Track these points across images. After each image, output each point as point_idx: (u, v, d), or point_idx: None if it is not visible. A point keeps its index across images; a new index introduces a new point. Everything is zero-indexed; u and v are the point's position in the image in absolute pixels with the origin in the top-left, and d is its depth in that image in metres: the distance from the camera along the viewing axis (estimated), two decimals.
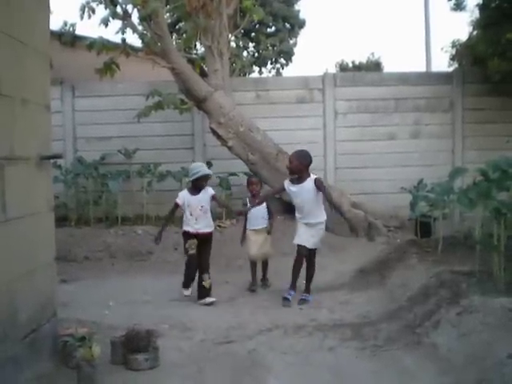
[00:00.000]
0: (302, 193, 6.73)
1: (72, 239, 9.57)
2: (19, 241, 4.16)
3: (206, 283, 6.87)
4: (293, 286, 6.92)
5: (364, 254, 8.64)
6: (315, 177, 6.77)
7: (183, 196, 7.03)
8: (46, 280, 4.77)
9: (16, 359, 4.01)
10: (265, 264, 7.77)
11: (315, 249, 6.99)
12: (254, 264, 7.66)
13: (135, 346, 4.72)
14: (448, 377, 4.44)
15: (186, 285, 7.15)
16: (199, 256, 6.95)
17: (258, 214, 7.45)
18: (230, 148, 9.97)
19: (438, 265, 6.90)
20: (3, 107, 3.95)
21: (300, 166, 6.76)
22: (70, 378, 4.33)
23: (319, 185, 6.70)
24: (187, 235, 6.99)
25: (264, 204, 7.43)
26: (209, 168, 10.69)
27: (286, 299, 6.82)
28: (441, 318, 5.32)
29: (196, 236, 6.94)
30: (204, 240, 7.01)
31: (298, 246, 6.85)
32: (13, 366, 3.96)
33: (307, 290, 7.03)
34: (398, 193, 9.87)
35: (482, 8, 10.93)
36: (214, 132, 10.00)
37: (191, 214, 6.94)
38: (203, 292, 6.88)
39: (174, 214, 7.22)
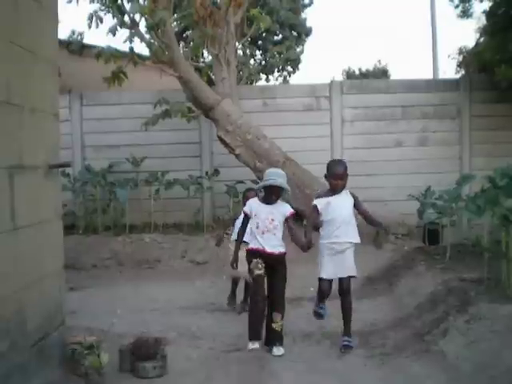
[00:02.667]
0: (341, 206, 5.55)
1: (80, 247, 9.59)
2: (28, 249, 4.18)
3: (276, 325, 5.45)
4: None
5: (372, 261, 8.61)
6: (348, 190, 5.67)
7: (251, 205, 5.66)
8: (55, 288, 4.78)
9: (25, 367, 4.02)
10: (247, 285, 6.64)
11: (349, 279, 5.68)
12: (236, 280, 6.94)
13: (143, 354, 4.72)
14: None
15: (254, 335, 5.47)
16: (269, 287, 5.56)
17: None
18: (237, 156, 9.98)
19: (446, 272, 6.89)
20: (12, 116, 3.98)
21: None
22: None
23: (356, 198, 5.68)
24: (252, 255, 5.57)
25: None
26: (216, 176, 10.88)
27: (318, 314, 5.79)
28: (449, 325, 5.31)
29: (263, 255, 5.49)
30: (275, 263, 5.56)
31: (321, 280, 5.64)
32: (21, 374, 3.97)
33: (347, 332, 5.58)
34: (405, 200, 9.83)
35: (489, 15, 10.93)
36: (222, 140, 10.02)
37: (257, 227, 5.53)
38: (272, 337, 5.48)
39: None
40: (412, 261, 8.08)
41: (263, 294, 5.48)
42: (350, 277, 5.62)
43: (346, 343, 5.44)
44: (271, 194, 5.54)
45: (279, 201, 5.62)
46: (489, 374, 4.35)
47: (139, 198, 10.82)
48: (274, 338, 5.43)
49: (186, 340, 5.70)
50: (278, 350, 5.33)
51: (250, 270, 5.52)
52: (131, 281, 8.55)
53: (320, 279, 5.62)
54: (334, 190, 5.56)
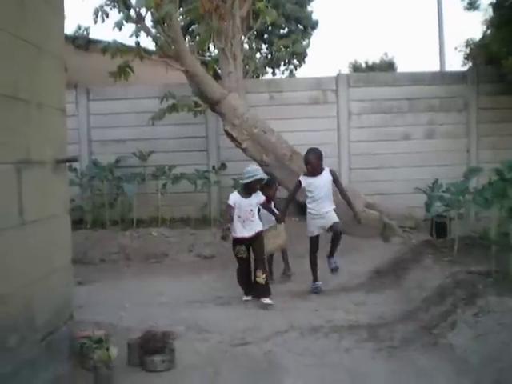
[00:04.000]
0: (320, 184, 7.23)
1: (88, 242, 9.62)
2: (36, 244, 4.19)
3: (259, 279, 6.80)
4: (315, 278, 7.41)
5: (379, 254, 8.61)
6: (329, 168, 7.37)
7: (233, 198, 6.96)
8: (63, 283, 4.79)
9: (33, 361, 4.04)
10: (284, 254, 8.08)
11: (337, 224, 7.24)
12: (270, 257, 7.86)
13: (152, 348, 4.74)
14: (465, 377, 4.42)
15: (245, 290, 7.14)
16: (252, 253, 7.01)
17: (264, 219, 7.36)
18: (244, 150, 9.98)
19: (453, 265, 6.87)
20: (19, 111, 3.98)
21: (320, 163, 7.29)
22: (87, 380, 4.36)
23: (334, 175, 7.38)
24: (237, 242, 7.00)
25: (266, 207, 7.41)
26: (223, 170, 10.90)
27: (315, 289, 7.35)
28: (457, 318, 5.29)
29: (244, 240, 6.94)
30: (254, 240, 6.96)
31: (311, 238, 7.41)
32: (30, 369, 3.98)
33: (332, 254, 7.44)
34: (412, 193, 9.80)
35: (496, 7, 10.87)
36: (228, 134, 10.01)
37: (239, 216, 6.88)
38: (258, 290, 6.88)
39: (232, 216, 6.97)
40: (419, 254, 8.06)
41: (246, 267, 7.02)
42: (334, 222, 7.21)
43: (334, 265, 7.41)
44: (255, 186, 6.92)
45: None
46: (497, 367, 4.35)
47: (146, 193, 10.84)
48: (261, 290, 6.80)
49: (193, 334, 5.71)
50: (265, 300, 6.72)
51: (235, 255, 7.00)
52: (139, 275, 8.57)
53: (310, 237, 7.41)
54: (311, 173, 7.29)
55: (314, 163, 7.24)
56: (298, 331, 5.73)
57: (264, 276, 6.81)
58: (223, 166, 11.04)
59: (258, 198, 7.01)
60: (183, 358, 4.91)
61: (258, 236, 6.98)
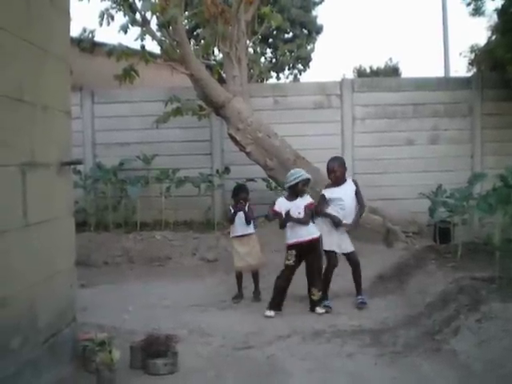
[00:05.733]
0: (346, 195, 6.89)
1: (91, 244, 9.62)
2: (40, 246, 4.20)
3: (314, 297, 6.69)
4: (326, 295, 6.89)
5: (382, 260, 8.60)
6: (351, 178, 7.11)
7: (281, 203, 6.75)
8: (66, 285, 4.80)
9: (36, 363, 4.05)
10: (255, 275, 7.48)
11: (354, 253, 7.04)
12: (239, 275, 7.43)
13: (154, 351, 4.74)
14: (467, 383, 4.42)
15: (275, 305, 6.68)
16: (307, 267, 6.73)
17: (238, 220, 7.27)
18: (248, 154, 9.98)
19: (457, 271, 6.87)
20: (24, 114, 4.00)
21: (344, 172, 6.98)
22: (90, 382, 4.36)
23: (357, 186, 7.03)
24: (289, 248, 6.70)
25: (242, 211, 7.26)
26: (227, 174, 10.90)
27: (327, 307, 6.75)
28: (460, 324, 5.29)
29: (298, 246, 6.65)
30: (309, 248, 6.68)
31: (330, 252, 6.88)
32: (33, 370, 3.99)
33: (359, 291, 7.05)
34: (416, 198, 9.79)
35: (501, 13, 10.86)
36: (233, 138, 10.02)
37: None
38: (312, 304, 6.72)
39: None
40: (423, 259, 8.05)
41: (290, 277, 6.67)
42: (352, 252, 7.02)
43: (360, 300, 6.89)
44: (303, 187, 6.68)
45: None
46: (500, 373, 4.34)
47: (150, 196, 10.85)
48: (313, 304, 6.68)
49: (196, 337, 5.71)
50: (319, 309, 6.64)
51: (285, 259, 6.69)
52: (142, 278, 8.57)
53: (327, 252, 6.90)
54: (335, 183, 6.93)
55: (338, 172, 6.89)
56: (301, 336, 5.74)
57: (320, 294, 6.71)
58: (227, 169, 11.04)
59: (306, 200, 6.71)
60: (186, 361, 4.91)
61: (314, 243, 6.69)
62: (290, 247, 6.66)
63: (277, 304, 6.63)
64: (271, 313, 6.53)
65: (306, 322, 6.20)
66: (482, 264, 6.94)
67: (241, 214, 7.27)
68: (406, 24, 49.25)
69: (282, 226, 6.68)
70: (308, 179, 6.72)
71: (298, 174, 6.73)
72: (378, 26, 50.09)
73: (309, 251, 6.67)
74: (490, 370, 4.47)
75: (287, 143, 10.09)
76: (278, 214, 6.68)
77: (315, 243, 6.70)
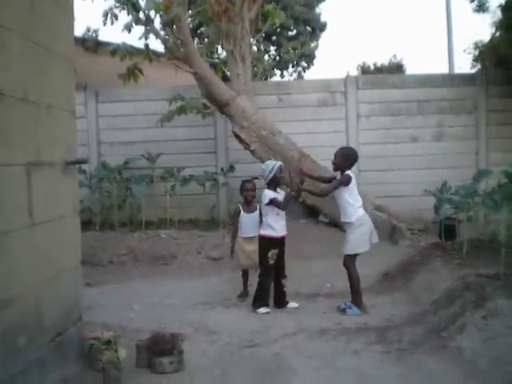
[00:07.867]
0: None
1: (96, 243, 9.63)
2: (45, 245, 4.21)
3: (286, 288, 6.79)
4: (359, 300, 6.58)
5: (388, 257, 8.58)
6: (350, 172, 6.53)
7: (271, 194, 6.66)
8: (72, 284, 4.81)
9: (42, 362, 4.06)
10: (247, 275, 7.41)
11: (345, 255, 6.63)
12: (245, 272, 7.36)
13: (160, 350, 4.74)
14: (473, 380, 4.40)
15: (263, 301, 6.67)
16: (278, 260, 6.69)
17: (250, 221, 7.10)
18: (252, 152, 9.99)
19: (462, 268, 6.84)
20: (29, 113, 4.00)
21: (344, 163, 6.56)
22: (96, 381, 4.37)
23: (344, 176, 6.52)
24: (270, 241, 6.66)
25: (257, 211, 7.08)
26: (232, 172, 10.90)
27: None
28: (466, 321, 5.28)
29: (279, 241, 6.70)
30: (283, 243, 6.78)
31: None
32: (39, 369, 4.00)
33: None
34: (421, 195, 9.78)
35: (505, 9, 10.85)
36: (237, 136, 10.03)
37: (277, 214, 6.64)
38: (283, 297, 6.78)
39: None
40: (428, 256, 8.03)
41: (273, 274, 6.68)
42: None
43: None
44: (280, 179, 6.69)
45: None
46: (506, 370, 4.33)
47: (155, 194, 10.87)
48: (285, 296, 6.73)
49: (202, 335, 5.71)
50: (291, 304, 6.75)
51: (267, 260, 6.58)
52: (147, 277, 8.59)
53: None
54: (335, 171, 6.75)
55: (337, 160, 6.61)
56: (307, 333, 5.73)
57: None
58: (232, 167, 11.05)
59: (282, 193, 6.76)
60: (191, 359, 4.92)
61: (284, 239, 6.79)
62: (275, 244, 6.62)
63: (266, 301, 6.66)
64: (267, 309, 6.58)
65: (312, 320, 6.19)
66: (487, 261, 6.92)
67: (254, 215, 7.09)
68: (409, 21, 49.28)
69: (284, 207, 6.61)
70: (281, 165, 6.74)
71: (270, 165, 6.75)
72: (382, 23, 50.16)
73: (283, 245, 6.74)
74: (495, 366, 4.45)
75: (292, 141, 10.10)
76: (276, 200, 6.58)
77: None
